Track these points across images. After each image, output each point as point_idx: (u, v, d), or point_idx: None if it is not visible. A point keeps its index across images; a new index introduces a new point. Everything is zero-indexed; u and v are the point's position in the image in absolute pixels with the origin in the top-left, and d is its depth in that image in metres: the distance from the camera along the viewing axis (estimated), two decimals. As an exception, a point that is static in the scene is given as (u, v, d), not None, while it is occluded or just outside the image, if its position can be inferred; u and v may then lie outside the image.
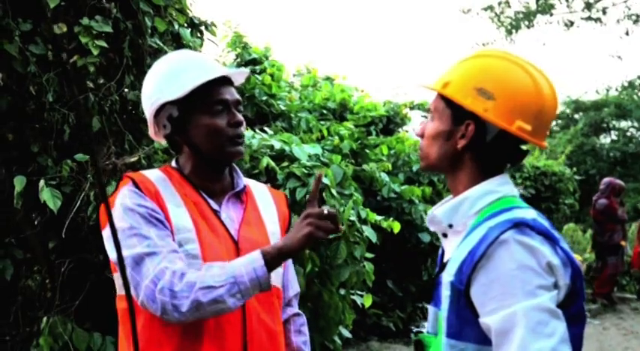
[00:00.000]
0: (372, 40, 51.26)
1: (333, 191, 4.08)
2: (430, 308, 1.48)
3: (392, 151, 6.89)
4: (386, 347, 5.93)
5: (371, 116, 6.74)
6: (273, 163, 3.98)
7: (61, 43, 3.47)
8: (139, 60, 3.66)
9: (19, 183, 3.23)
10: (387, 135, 7.54)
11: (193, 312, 1.54)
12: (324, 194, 4.07)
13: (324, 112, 6.95)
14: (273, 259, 1.57)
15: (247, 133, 4.33)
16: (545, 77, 1.43)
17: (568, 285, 1.29)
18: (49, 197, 3.18)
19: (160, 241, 1.61)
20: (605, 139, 22.75)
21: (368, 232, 4.24)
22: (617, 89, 23.39)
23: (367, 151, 5.95)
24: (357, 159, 5.84)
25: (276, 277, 1.79)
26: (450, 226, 1.43)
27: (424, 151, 1.48)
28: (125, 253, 1.59)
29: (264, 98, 6.09)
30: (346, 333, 4.57)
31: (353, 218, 4.16)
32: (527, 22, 15.97)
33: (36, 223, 3.60)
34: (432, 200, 6.53)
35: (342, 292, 4.31)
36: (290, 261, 1.95)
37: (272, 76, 6.31)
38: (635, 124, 22.80)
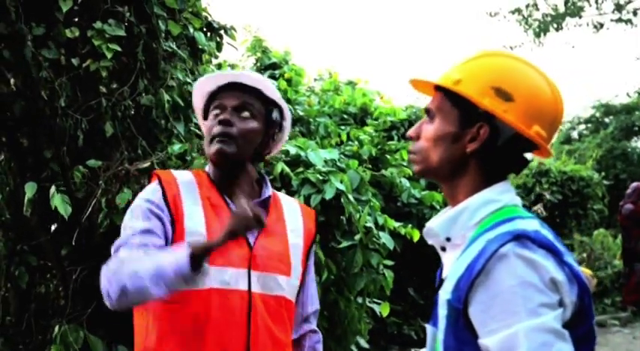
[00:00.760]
0: (394, 45, 51.16)
1: (350, 197, 4.00)
2: (428, 328, 1.37)
3: (413, 157, 6.77)
4: (407, 356, 5.85)
5: (391, 121, 6.63)
6: (287, 169, 3.91)
7: (74, 47, 3.46)
8: (152, 64, 3.62)
9: (29, 189, 3.24)
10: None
11: (120, 297, 1.57)
12: (341, 199, 4.00)
13: (345, 116, 6.87)
14: (197, 251, 1.54)
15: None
16: (553, 82, 1.34)
17: (575, 303, 1.18)
18: (60, 203, 3.18)
19: (140, 236, 1.66)
20: (636, 143, 22.30)
21: (385, 238, 4.13)
22: (647, 92, 22.94)
23: (387, 156, 5.84)
24: (378, 164, 5.75)
25: (289, 289, 1.79)
26: (448, 239, 1.32)
27: (422, 154, 1.35)
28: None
29: (281, 103, 6.00)
30: (363, 343, 4.48)
31: (370, 224, 4.07)
32: (555, 25, 15.73)
33: (50, 229, 3.59)
34: (453, 206, 6.41)
35: (360, 300, 4.23)
36: (311, 277, 1.95)
37: (289, 81, 6.24)
38: (668, 127, 22.33)
